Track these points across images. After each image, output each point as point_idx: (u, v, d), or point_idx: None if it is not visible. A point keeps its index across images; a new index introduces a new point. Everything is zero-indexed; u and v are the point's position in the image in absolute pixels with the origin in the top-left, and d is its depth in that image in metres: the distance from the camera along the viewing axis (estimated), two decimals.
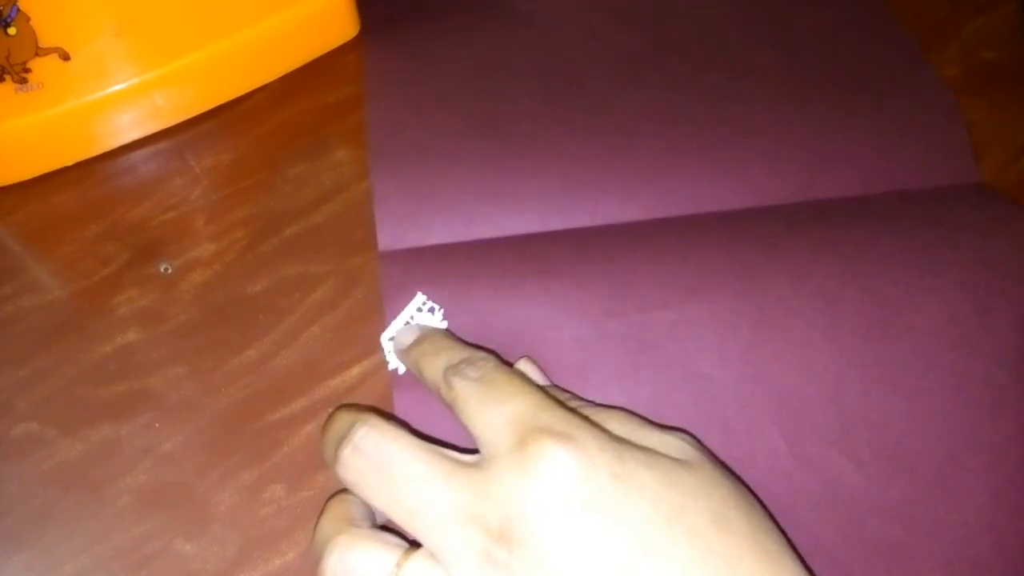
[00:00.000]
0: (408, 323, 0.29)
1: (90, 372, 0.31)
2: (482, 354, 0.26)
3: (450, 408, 0.25)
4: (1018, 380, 0.28)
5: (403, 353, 0.28)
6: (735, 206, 0.33)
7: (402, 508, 0.22)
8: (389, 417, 0.25)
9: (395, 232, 0.33)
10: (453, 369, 0.25)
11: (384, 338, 0.29)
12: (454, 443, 0.25)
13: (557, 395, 0.26)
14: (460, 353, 0.26)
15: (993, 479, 0.27)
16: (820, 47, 0.38)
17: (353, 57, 0.40)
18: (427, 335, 0.28)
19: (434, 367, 0.26)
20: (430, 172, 0.34)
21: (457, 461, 0.23)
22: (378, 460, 0.23)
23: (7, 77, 0.33)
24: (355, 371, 0.31)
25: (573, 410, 0.24)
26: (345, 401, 0.30)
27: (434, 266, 0.31)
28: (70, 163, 0.37)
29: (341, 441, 0.23)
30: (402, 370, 0.29)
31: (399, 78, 0.38)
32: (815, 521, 0.26)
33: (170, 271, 0.34)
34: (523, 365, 0.28)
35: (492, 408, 0.23)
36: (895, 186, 0.34)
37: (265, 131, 0.38)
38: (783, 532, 0.23)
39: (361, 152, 0.37)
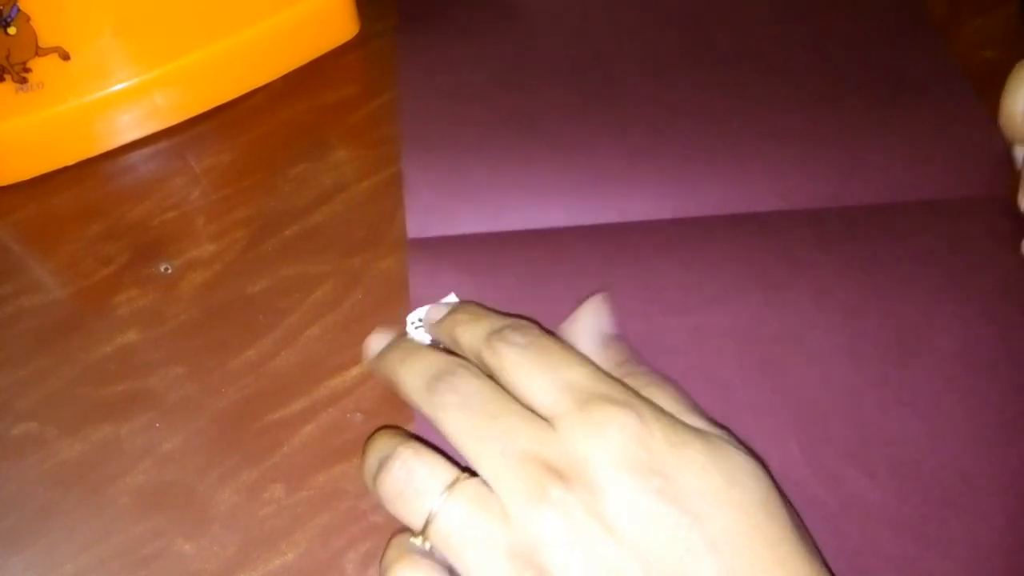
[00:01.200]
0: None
1: (90, 372, 0.31)
2: (524, 321, 0.26)
3: (494, 373, 0.25)
4: None
5: (435, 325, 0.28)
6: (764, 208, 0.33)
7: (469, 436, 0.23)
8: None
9: (424, 220, 0.33)
10: (497, 335, 0.25)
11: (411, 319, 0.29)
12: None
13: (618, 352, 0.27)
14: (501, 319, 0.26)
15: (1009, 503, 0.27)
16: (856, 52, 0.38)
17: (353, 57, 0.40)
18: (460, 306, 0.28)
19: (472, 334, 0.26)
20: (460, 162, 0.35)
21: (528, 410, 0.24)
22: (466, 395, 0.24)
23: (7, 77, 0.33)
24: (355, 371, 0.31)
25: (624, 383, 0.24)
26: (345, 401, 0.30)
27: (461, 256, 0.32)
28: (70, 163, 0.37)
29: (438, 373, 0.25)
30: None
31: (431, 69, 0.38)
32: (828, 533, 0.26)
33: (170, 271, 0.34)
34: (594, 303, 0.28)
35: (547, 374, 0.24)
36: (927, 195, 0.34)
37: (265, 131, 0.38)
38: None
39: (361, 152, 0.37)
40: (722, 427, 0.25)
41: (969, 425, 0.28)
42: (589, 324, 0.28)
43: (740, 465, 0.23)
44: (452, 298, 0.30)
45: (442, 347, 0.28)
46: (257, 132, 0.38)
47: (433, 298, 0.30)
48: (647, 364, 0.27)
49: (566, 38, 0.39)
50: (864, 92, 0.37)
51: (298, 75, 0.40)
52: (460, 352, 0.27)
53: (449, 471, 0.23)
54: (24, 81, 0.34)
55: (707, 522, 0.21)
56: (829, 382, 0.29)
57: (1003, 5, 0.42)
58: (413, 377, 0.25)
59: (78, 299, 0.33)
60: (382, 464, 0.24)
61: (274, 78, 0.39)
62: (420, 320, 0.29)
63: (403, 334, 0.29)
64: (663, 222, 0.33)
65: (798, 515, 0.24)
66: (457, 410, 0.24)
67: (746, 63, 0.38)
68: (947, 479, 0.27)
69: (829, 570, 0.23)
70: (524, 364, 0.24)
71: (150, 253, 0.34)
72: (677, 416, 0.24)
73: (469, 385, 0.24)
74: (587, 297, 0.29)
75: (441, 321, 0.28)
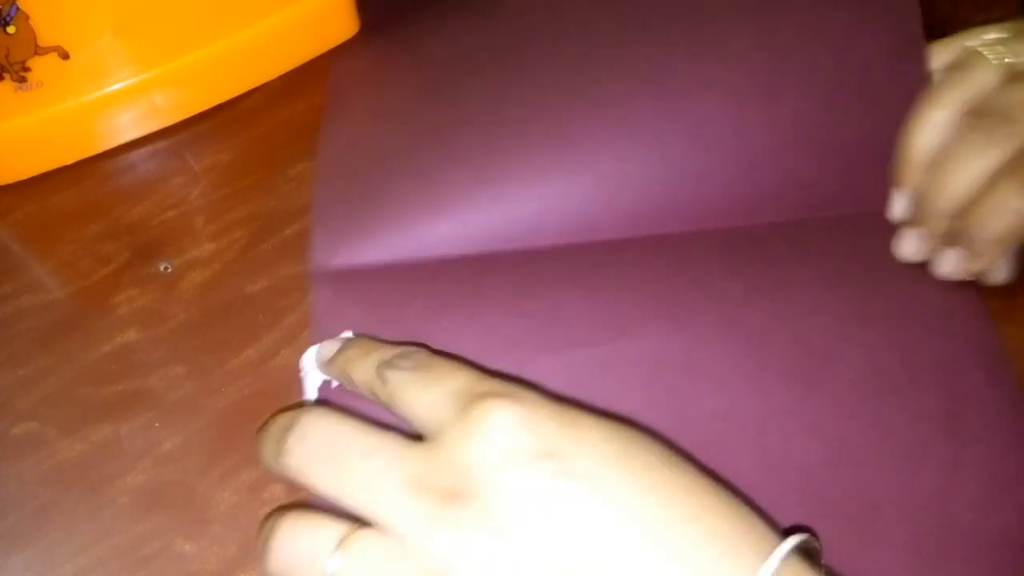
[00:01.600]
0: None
1: (90, 372, 0.31)
2: (413, 347, 0.26)
3: (388, 406, 0.24)
4: (941, 434, 0.28)
5: (328, 363, 0.27)
6: (677, 229, 0.32)
7: (350, 484, 0.22)
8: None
9: (329, 250, 0.32)
10: (386, 364, 0.25)
11: (304, 361, 0.29)
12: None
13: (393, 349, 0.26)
14: (391, 349, 0.26)
15: (916, 530, 0.26)
16: (808, 43, 0.34)
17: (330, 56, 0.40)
18: (352, 341, 0.28)
19: (364, 368, 0.25)
20: (369, 188, 0.34)
21: (404, 438, 0.22)
22: (325, 442, 0.22)
23: (6, 76, 0.33)
24: None
25: (511, 378, 0.24)
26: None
27: (364, 289, 0.31)
28: (69, 162, 0.37)
29: (284, 433, 0.23)
30: (313, 396, 0.29)
31: (359, 90, 0.38)
32: None
33: (170, 271, 0.34)
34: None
35: (431, 389, 0.23)
36: (843, 210, 0.33)
37: (265, 130, 0.38)
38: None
39: None
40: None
41: (875, 452, 0.27)
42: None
43: (634, 435, 0.22)
44: (348, 335, 0.29)
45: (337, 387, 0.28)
46: (257, 131, 0.38)
47: (333, 334, 0.29)
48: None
49: (502, 41, 0.38)
50: (800, 96, 0.33)
51: (297, 74, 0.40)
52: (355, 389, 0.26)
53: (335, 528, 0.21)
54: (23, 80, 0.34)
55: (610, 491, 0.20)
56: (734, 412, 0.28)
57: (1003, 5, 0.42)
58: (263, 447, 0.24)
59: (78, 299, 0.33)
60: (264, 545, 0.22)
61: (273, 77, 0.39)
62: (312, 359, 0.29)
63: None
64: (574, 247, 0.32)
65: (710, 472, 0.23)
66: (319, 463, 0.22)
67: (677, 65, 0.34)
68: (853, 506, 0.27)
69: (757, 510, 0.22)
70: (410, 386, 0.24)
71: (150, 252, 0.34)
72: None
73: (320, 432, 0.23)
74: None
75: (333, 359, 0.27)
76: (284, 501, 0.28)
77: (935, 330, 0.30)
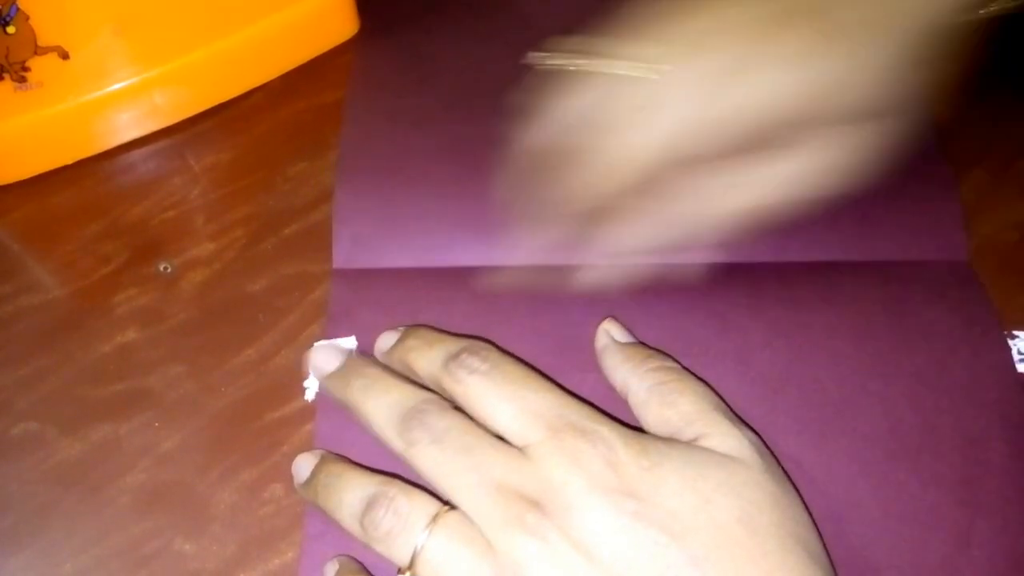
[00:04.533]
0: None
1: (90, 371, 0.31)
2: (480, 343, 0.26)
3: (457, 400, 0.25)
4: (955, 502, 0.27)
5: (387, 354, 0.28)
6: (700, 260, 0.32)
7: (444, 470, 0.23)
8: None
9: (351, 251, 0.33)
10: (455, 361, 0.25)
11: (312, 357, 0.29)
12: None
13: (636, 353, 0.27)
14: (456, 342, 0.26)
15: None
16: None
17: (353, 56, 0.40)
18: (411, 331, 0.28)
19: (428, 360, 0.26)
20: (394, 193, 0.34)
21: (500, 440, 0.24)
22: (438, 432, 0.24)
23: (6, 76, 0.33)
24: None
25: (591, 405, 0.25)
26: None
27: (384, 291, 0.31)
28: (69, 162, 0.37)
29: (408, 414, 0.24)
30: (311, 397, 0.30)
31: (380, 91, 0.38)
32: None
33: (170, 270, 0.34)
34: (606, 323, 0.29)
35: (513, 403, 0.24)
36: (874, 255, 0.32)
37: (264, 130, 0.38)
38: (825, 550, 0.23)
39: None
40: (751, 429, 0.25)
41: (884, 513, 0.27)
42: (605, 339, 0.29)
43: (719, 481, 0.23)
44: (352, 342, 0.30)
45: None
46: (256, 131, 0.38)
47: (348, 333, 0.30)
48: (672, 359, 0.27)
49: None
50: None
51: (297, 74, 0.40)
52: (416, 379, 0.27)
53: (431, 505, 0.23)
54: (23, 80, 0.34)
55: (686, 541, 0.21)
56: None
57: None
58: (382, 413, 0.25)
59: (77, 298, 0.33)
60: (370, 505, 0.24)
61: (273, 77, 0.39)
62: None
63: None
64: (595, 268, 0.32)
65: (815, 527, 0.23)
66: (430, 447, 0.24)
67: None
68: (856, 568, 0.26)
69: (833, 571, 0.23)
70: (488, 392, 0.24)
71: (149, 252, 0.34)
72: (693, 417, 0.24)
73: (440, 422, 0.24)
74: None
75: (392, 349, 0.28)
76: (284, 501, 0.28)
77: (959, 394, 0.29)
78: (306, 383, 0.30)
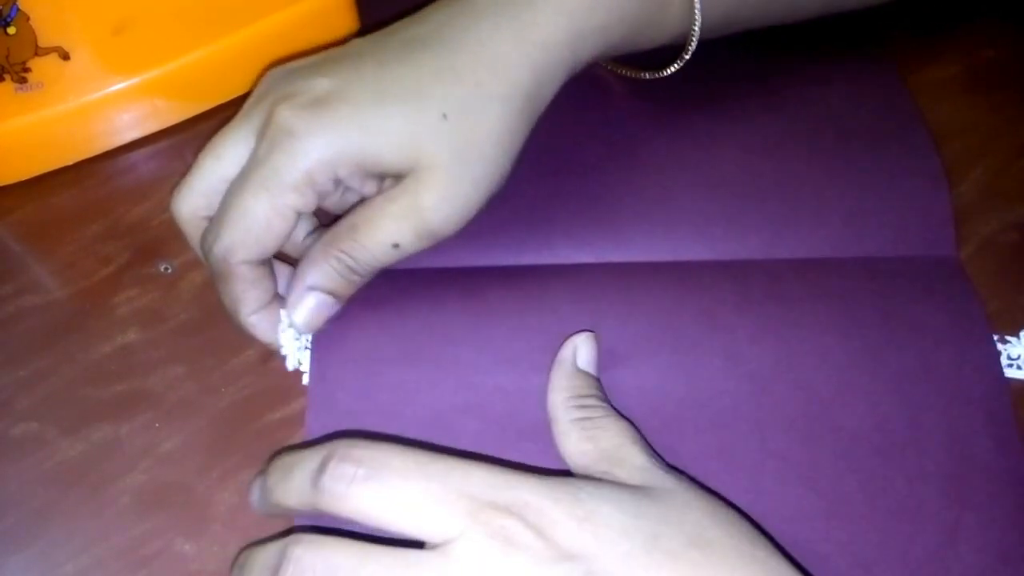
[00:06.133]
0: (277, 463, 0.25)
1: (90, 372, 0.31)
2: (343, 443, 0.22)
3: (349, 518, 0.22)
4: (942, 498, 0.27)
5: (258, 507, 0.25)
6: (690, 257, 0.32)
7: None
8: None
9: None
10: (326, 475, 0.22)
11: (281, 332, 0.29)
12: None
13: (582, 387, 0.27)
14: (316, 454, 0.22)
15: None
16: (811, 97, 0.37)
17: None
18: (266, 470, 0.24)
19: (294, 489, 0.23)
20: None
21: (410, 550, 0.21)
22: (324, 571, 0.21)
23: (7, 77, 0.33)
24: None
25: (493, 461, 0.23)
26: None
27: (369, 293, 0.31)
28: (70, 163, 0.37)
29: (272, 571, 0.21)
30: (304, 366, 0.29)
31: None
32: None
33: (170, 271, 0.34)
34: (580, 338, 0.28)
35: (416, 498, 0.21)
36: (862, 251, 0.32)
37: None
38: (774, 542, 0.23)
39: None
40: (673, 468, 0.25)
41: (871, 509, 0.27)
42: (567, 354, 0.28)
43: (657, 514, 0.22)
44: (284, 317, 0.29)
45: None
46: None
47: (335, 337, 0.29)
48: (607, 404, 0.27)
49: None
50: (812, 137, 0.35)
51: None
52: (295, 515, 0.25)
53: None
54: (24, 81, 0.34)
55: None
56: (729, 453, 0.28)
57: (1003, 5, 0.42)
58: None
59: (78, 299, 0.33)
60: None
61: None
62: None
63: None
64: (583, 266, 0.32)
65: (753, 524, 0.23)
66: None
67: (686, 103, 0.36)
68: (844, 563, 0.26)
69: (799, 568, 0.23)
70: (379, 499, 0.21)
71: (150, 253, 0.34)
72: (619, 449, 0.24)
73: (313, 566, 0.21)
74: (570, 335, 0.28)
75: (260, 499, 0.24)
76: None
77: (947, 391, 0.29)
78: (283, 349, 0.29)
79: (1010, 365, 0.30)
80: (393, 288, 0.31)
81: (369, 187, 0.28)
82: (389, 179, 0.28)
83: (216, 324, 0.32)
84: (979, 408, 0.28)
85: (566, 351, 0.28)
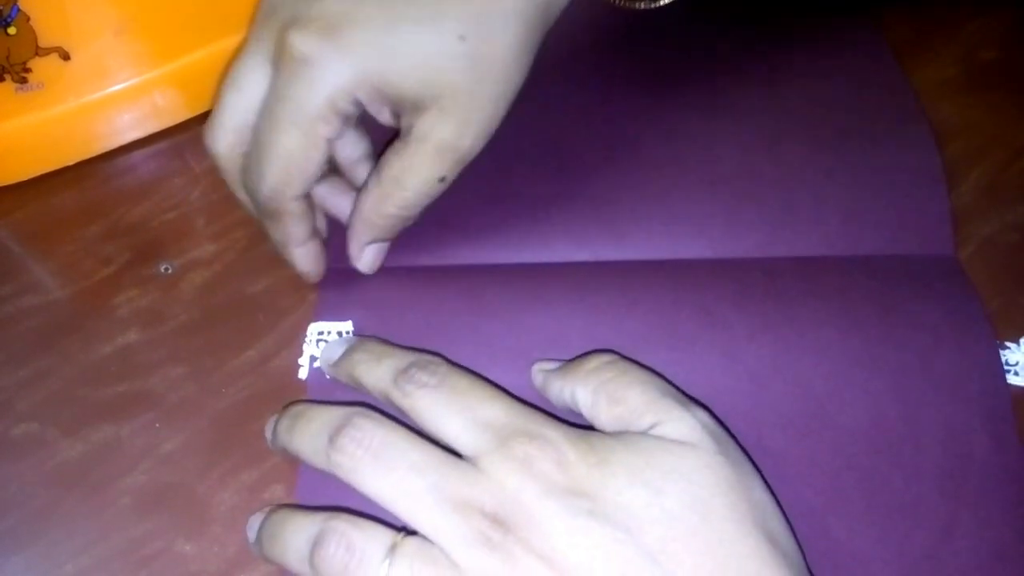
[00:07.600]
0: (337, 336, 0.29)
1: (90, 372, 0.31)
2: (429, 357, 0.26)
3: (407, 415, 0.25)
4: (939, 494, 0.27)
5: (333, 366, 0.28)
6: (688, 255, 0.32)
7: (398, 492, 0.23)
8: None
9: (338, 249, 0.32)
10: (404, 375, 0.25)
11: (311, 331, 0.30)
12: None
13: (575, 361, 0.27)
14: (405, 356, 0.26)
15: None
16: (811, 92, 0.37)
17: None
18: (359, 344, 0.28)
19: (376, 375, 0.26)
20: None
21: (446, 453, 0.23)
22: (377, 447, 0.23)
23: (7, 77, 0.33)
24: None
25: (542, 411, 0.24)
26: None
27: (370, 289, 0.31)
28: (70, 163, 0.37)
29: (336, 429, 0.24)
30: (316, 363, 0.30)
31: None
32: None
33: (170, 271, 0.34)
34: (538, 364, 0.29)
35: (462, 415, 0.24)
36: (860, 249, 0.32)
37: None
38: (788, 530, 0.23)
39: None
40: (705, 409, 0.25)
41: (868, 505, 0.27)
42: (539, 377, 0.28)
43: (667, 468, 0.22)
44: (348, 325, 0.30)
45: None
46: None
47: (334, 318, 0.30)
48: (611, 352, 0.27)
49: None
50: (811, 135, 0.35)
51: None
52: (364, 392, 0.26)
53: (386, 534, 0.23)
54: (24, 81, 0.34)
55: (641, 535, 0.21)
56: None
57: (1003, 5, 0.42)
58: (309, 442, 0.25)
59: (78, 299, 0.33)
60: (318, 543, 0.23)
61: None
62: (320, 334, 0.30)
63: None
64: (581, 265, 0.32)
65: (765, 500, 0.23)
66: (372, 467, 0.23)
67: (686, 100, 0.36)
68: (842, 558, 0.26)
69: (803, 558, 0.23)
70: (437, 406, 0.24)
71: (150, 253, 0.34)
72: (650, 404, 0.24)
73: (374, 436, 0.23)
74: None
75: (339, 362, 0.28)
76: (284, 501, 0.28)
77: (944, 387, 0.29)
78: (300, 360, 0.30)
79: (1008, 371, 0.30)
80: (392, 286, 0.31)
81: (384, 115, 0.29)
82: (408, 104, 0.28)
83: (216, 324, 0.32)
84: (978, 406, 0.28)
85: (538, 378, 0.28)
